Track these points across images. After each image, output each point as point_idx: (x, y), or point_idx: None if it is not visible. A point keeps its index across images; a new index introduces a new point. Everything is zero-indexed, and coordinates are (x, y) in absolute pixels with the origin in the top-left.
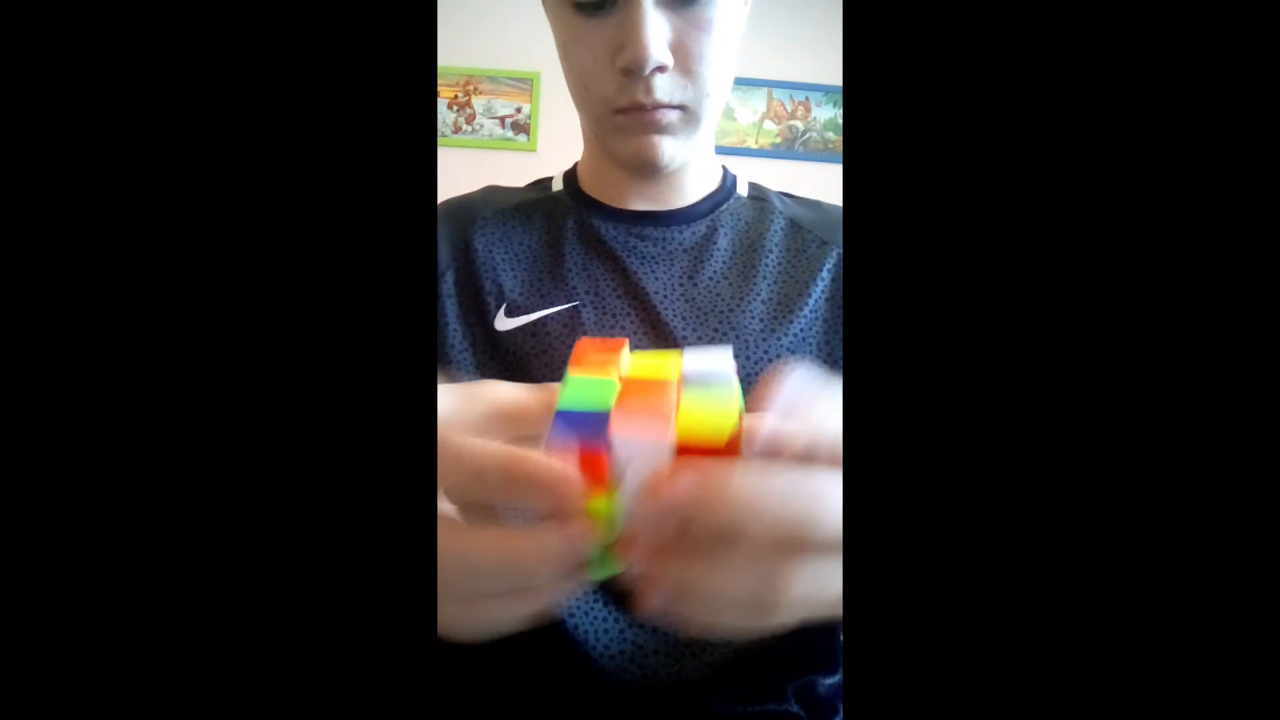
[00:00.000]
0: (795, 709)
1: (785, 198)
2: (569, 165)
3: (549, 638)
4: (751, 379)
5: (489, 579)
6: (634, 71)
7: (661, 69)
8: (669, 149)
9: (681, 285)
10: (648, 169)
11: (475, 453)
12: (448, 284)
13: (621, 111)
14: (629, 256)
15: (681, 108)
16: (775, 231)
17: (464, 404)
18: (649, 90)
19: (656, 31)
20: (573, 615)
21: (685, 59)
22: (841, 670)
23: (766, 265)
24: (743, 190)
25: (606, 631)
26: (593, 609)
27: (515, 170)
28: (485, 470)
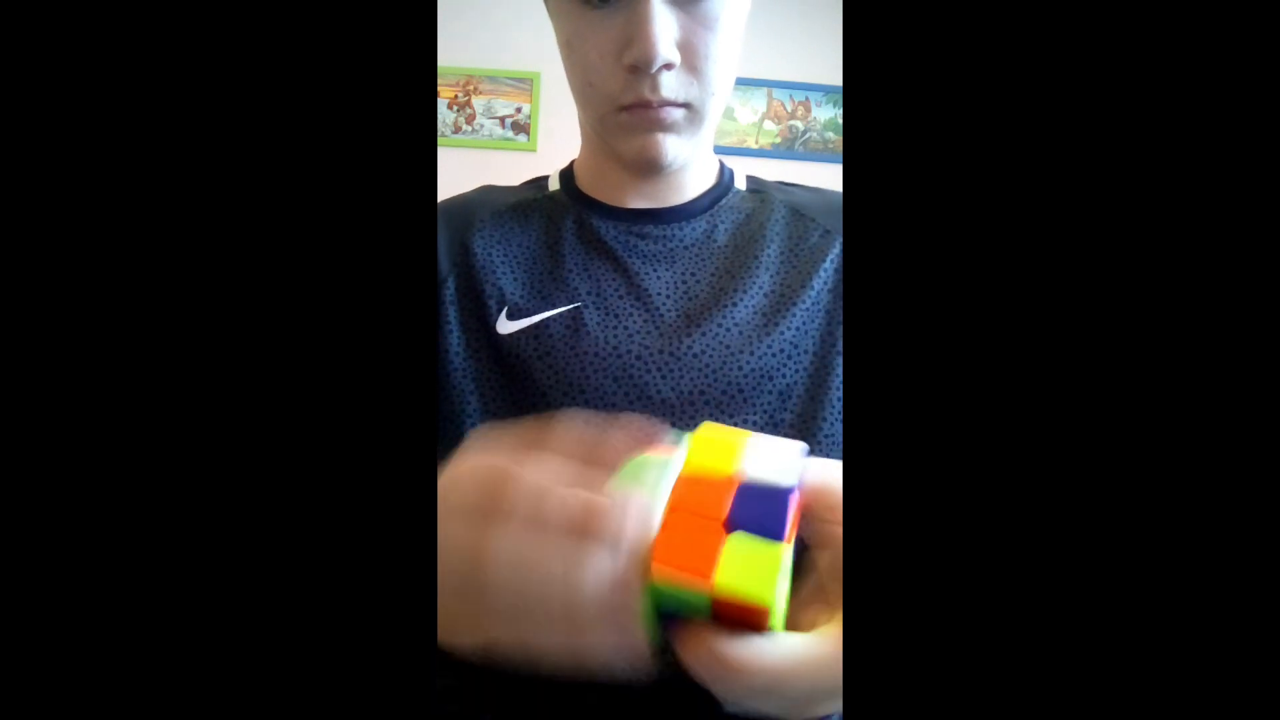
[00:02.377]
0: None
1: (785, 186)
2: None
3: None
4: (754, 374)
5: (535, 596)
6: (641, 69)
7: (669, 66)
8: (673, 147)
9: (684, 283)
10: (652, 167)
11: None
12: (449, 290)
13: (626, 109)
14: (629, 256)
15: (687, 105)
16: (776, 221)
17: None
18: (655, 88)
19: (664, 28)
20: None
21: (692, 57)
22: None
23: (768, 256)
24: (741, 184)
25: None
26: None
27: (515, 170)
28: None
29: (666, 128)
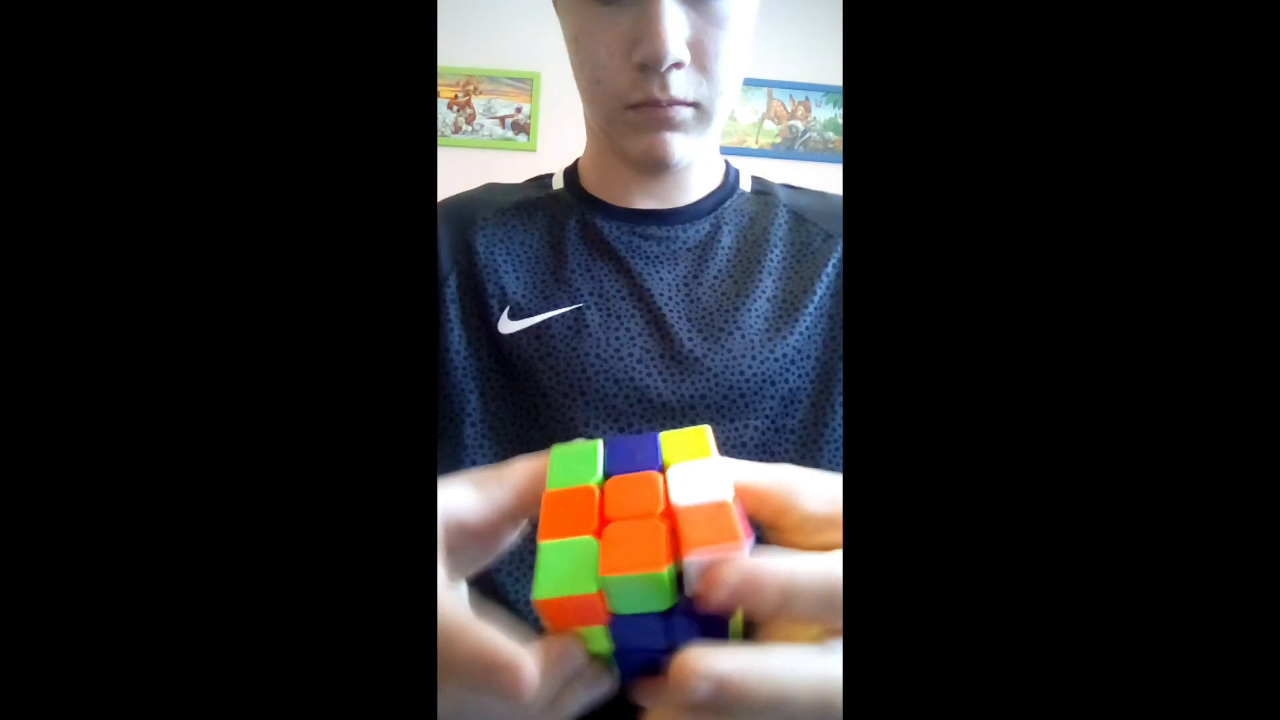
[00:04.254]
0: None
1: (789, 189)
2: (569, 163)
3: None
4: (757, 379)
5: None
6: (651, 67)
7: (678, 65)
8: (680, 147)
9: (686, 285)
10: (658, 166)
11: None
12: (450, 289)
13: (634, 107)
14: (633, 257)
15: (695, 105)
16: (779, 226)
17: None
18: (665, 86)
19: (675, 26)
20: None
21: (701, 56)
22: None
23: (771, 261)
24: (745, 185)
25: None
26: None
27: (515, 170)
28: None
29: (674, 126)
